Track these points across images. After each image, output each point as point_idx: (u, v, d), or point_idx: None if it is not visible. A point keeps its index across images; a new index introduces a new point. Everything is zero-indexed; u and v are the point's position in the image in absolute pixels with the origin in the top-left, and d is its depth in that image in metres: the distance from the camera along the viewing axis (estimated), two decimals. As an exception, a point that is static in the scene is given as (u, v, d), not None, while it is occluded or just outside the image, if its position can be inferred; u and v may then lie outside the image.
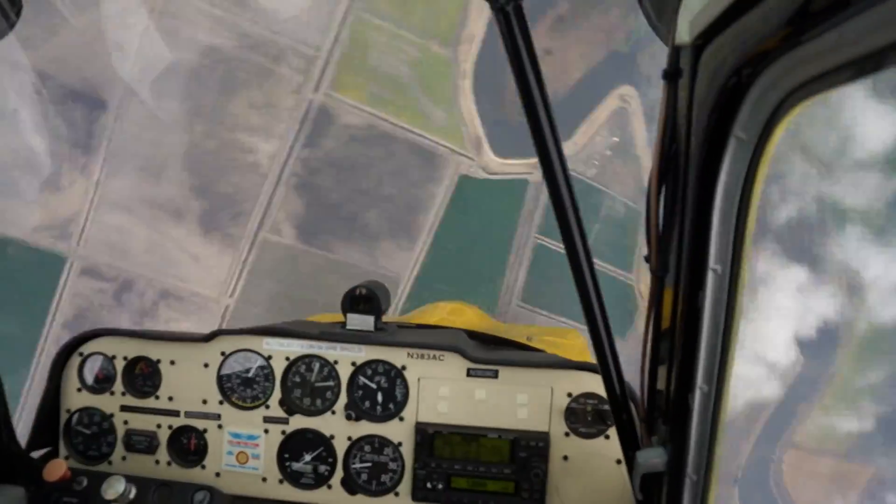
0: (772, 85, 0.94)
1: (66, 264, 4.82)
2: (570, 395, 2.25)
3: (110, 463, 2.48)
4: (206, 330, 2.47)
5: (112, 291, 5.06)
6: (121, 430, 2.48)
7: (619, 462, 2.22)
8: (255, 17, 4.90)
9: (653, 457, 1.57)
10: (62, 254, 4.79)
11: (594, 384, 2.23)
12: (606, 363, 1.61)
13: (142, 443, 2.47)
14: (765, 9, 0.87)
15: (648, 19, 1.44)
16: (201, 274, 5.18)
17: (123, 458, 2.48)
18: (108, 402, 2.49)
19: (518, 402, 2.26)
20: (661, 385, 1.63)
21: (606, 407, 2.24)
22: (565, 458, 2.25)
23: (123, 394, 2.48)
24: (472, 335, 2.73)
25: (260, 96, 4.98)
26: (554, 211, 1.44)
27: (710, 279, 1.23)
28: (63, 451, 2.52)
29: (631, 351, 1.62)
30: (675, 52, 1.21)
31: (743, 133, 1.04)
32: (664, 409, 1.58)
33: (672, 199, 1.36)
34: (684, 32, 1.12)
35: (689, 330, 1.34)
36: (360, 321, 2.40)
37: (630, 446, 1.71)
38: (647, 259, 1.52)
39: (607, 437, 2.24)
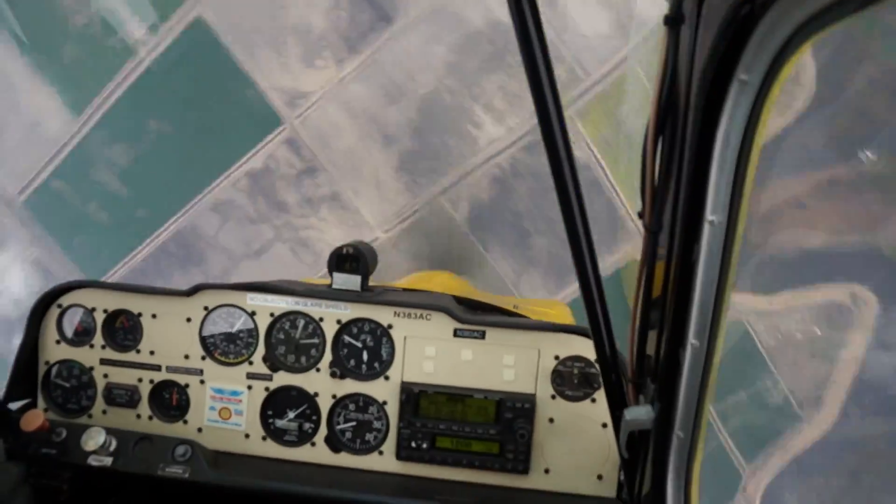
0: (779, 19, 0.90)
1: (279, 128, 5.18)
2: (557, 357, 2.23)
3: (90, 416, 2.46)
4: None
5: (298, 169, 5.36)
6: (101, 384, 2.45)
7: (604, 426, 2.22)
8: (555, 17, 5.01)
9: (640, 414, 1.56)
10: (280, 118, 5.14)
11: (582, 347, 2.22)
12: (597, 320, 1.59)
13: (122, 397, 2.44)
14: None
15: None
16: (374, 199, 5.47)
17: (104, 412, 2.45)
18: (87, 355, 2.45)
19: (505, 364, 2.25)
20: (651, 343, 1.61)
21: (594, 370, 2.23)
22: (551, 420, 2.24)
23: (103, 347, 2.44)
24: (460, 300, 2.71)
25: (514, 85, 5.15)
26: (549, 160, 1.40)
27: (707, 231, 1.20)
28: (41, 403, 2.48)
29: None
30: None
31: (746, 75, 1.00)
32: (653, 367, 1.57)
33: (670, 150, 1.32)
34: None
35: (683, 285, 1.31)
36: (347, 280, 2.36)
37: (617, 405, 1.69)
38: (641, 215, 1.49)
39: (594, 400, 2.23)
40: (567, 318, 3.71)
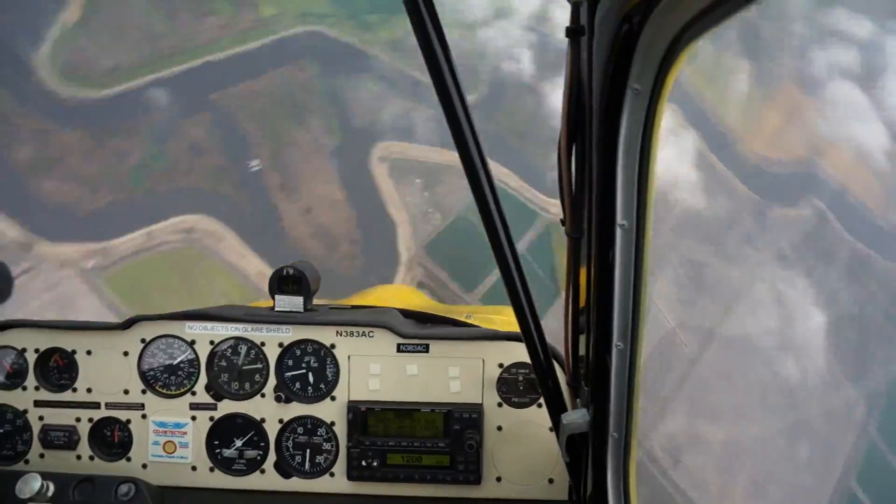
0: (658, 31, 0.93)
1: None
2: (501, 365, 2.25)
3: (27, 462, 2.36)
4: None
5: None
6: (36, 427, 2.36)
7: (551, 429, 2.24)
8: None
9: (576, 418, 1.58)
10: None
11: (525, 354, 2.23)
12: (529, 331, 1.61)
13: (60, 438, 2.35)
14: None
15: None
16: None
17: (41, 456, 2.36)
18: (20, 398, 2.36)
19: (450, 376, 2.25)
20: (582, 349, 1.63)
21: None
22: (499, 428, 2.26)
23: (37, 388, 2.36)
24: (407, 314, 2.70)
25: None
26: (469, 181, 1.41)
27: (619, 235, 1.23)
28: None
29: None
30: (576, 9, 1.19)
31: (638, 84, 1.04)
32: (586, 370, 1.59)
33: (581, 159, 1.35)
34: None
35: (604, 289, 1.34)
36: (289, 302, 2.33)
37: (556, 411, 1.72)
38: (563, 222, 1.51)
39: (540, 405, 2.25)
40: None
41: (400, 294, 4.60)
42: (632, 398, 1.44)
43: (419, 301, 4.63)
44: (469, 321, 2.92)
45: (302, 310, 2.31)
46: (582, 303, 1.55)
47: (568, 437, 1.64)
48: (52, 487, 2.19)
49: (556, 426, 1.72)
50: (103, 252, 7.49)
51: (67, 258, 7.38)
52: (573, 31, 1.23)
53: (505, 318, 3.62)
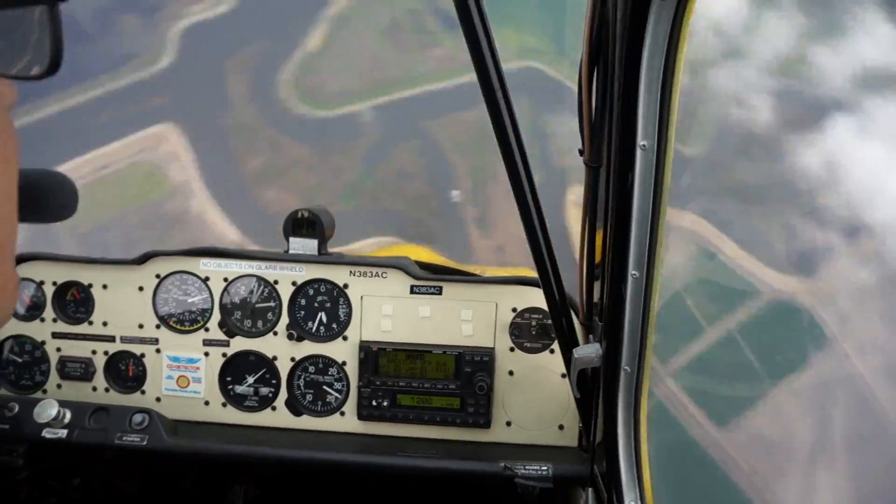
0: None
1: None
2: (514, 310, 2.24)
3: (45, 392, 2.41)
4: None
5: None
6: (54, 358, 2.40)
7: (563, 376, 2.24)
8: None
9: (588, 352, 1.57)
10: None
11: (539, 299, 2.22)
12: (545, 268, 1.59)
13: (77, 370, 2.39)
14: None
15: None
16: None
17: (58, 387, 2.41)
18: (38, 330, 2.40)
19: (462, 319, 2.25)
20: (598, 283, 1.62)
21: (550, 321, 2.24)
22: (511, 372, 2.26)
23: (55, 320, 2.39)
24: (423, 265, 2.70)
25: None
26: (490, 115, 1.39)
27: (639, 157, 1.21)
28: None
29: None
30: None
31: None
32: (600, 307, 1.58)
33: (603, 84, 1.32)
34: None
35: (621, 216, 1.32)
36: (303, 245, 2.33)
37: (569, 347, 1.71)
38: (581, 152, 1.49)
39: (552, 351, 2.24)
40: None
41: (417, 251, 4.59)
42: (646, 330, 1.42)
43: (436, 259, 4.63)
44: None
45: (316, 253, 2.31)
46: (599, 237, 1.53)
47: (579, 373, 1.64)
48: (68, 414, 2.24)
49: (568, 363, 1.72)
50: None
51: None
52: None
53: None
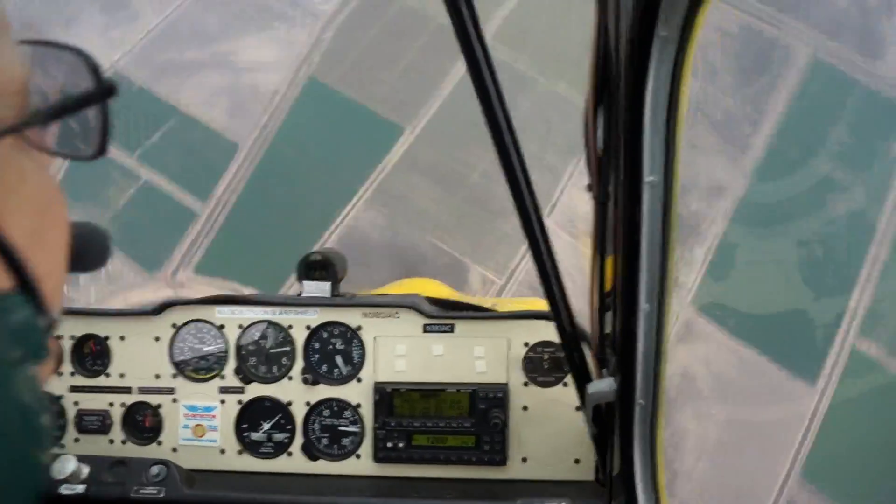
0: None
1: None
2: (526, 344, 2.25)
3: (63, 446, 2.41)
4: None
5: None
6: (71, 412, 2.41)
7: (578, 409, 2.23)
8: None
9: (602, 387, 1.58)
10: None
11: (550, 333, 2.23)
12: (554, 299, 1.61)
13: (94, 423, 2.40)
14: None
15: None
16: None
17: (76, 441, 2.41)
18: (57, 384, 2.42)
19: (476, 355, 2.26)
20: (609, 319, 1.63)
21: (562, 354, 2.24)
22: (525, 407, 2.25)
23: (73, 374, 2.41)
24: (433, 301, 2.72)
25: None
26: (495, 147, 1.43)
27: (646, 192, 1.23)
28: None
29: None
30: None
31: (665, 30, 1.04)
32: (612, 339, 1.59)
33: (608, 118, 1.36)
34: None
35: (631, 250, 1.34)
36: (316, 288, 2.36)
37: (583, 383, 1.71)
38: (590, 188, 1.52)
39: (565, 384, 2.24)
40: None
41: (426, 285, 4.62)
42: (659, 362, 1.43)
43: (445, 292, 4.64)
44: (494, 309, 2.93)
45: (329, 295, 2.34)
46: (609, 272, 1.55)
47: (594, 408, 1.64)
48: (86, 469, 2.23)
49: (583, 398, 1.72)
50: None
51: None
52: None
53: (530, 306, 3.62)
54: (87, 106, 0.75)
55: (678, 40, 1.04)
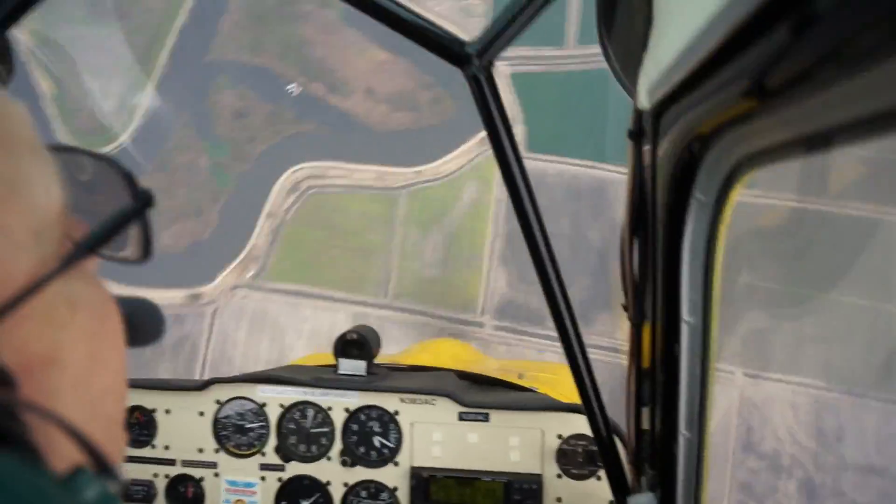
0: (726, 152, 0.98)
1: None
2: (560, 436, 2.26)
3: None
4: None
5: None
6: None
7: (612, 503, 2.23)
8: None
9: (643, 502, 1.59)
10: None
11: (584, 426, 2.24)
12: (591, 407, 1.64)
13: (139, 493, 2.47)
14: (720, 83, 0.91)
15: (616, 75, 1.49)
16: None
17: None
18: None
19: (510, 445, 2.28)
20: (646, 427, 1.64)
21: (596, 448, 2.25)
22: (559, 500, 2.26)
23: None
24: (463, 375, 2.75)
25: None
26: (524, 239, 1.48)
27: (685, 330, 1.26)
28: None
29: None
30: (638, 114, 1.25)
31: (702, 195, 1.08)
32: (651, 453, 1.60)
33: (643, 251, 1.39)
34: (644, 98, 1.17)
35: (669, 378, 1.36)
36: (352, 366, 2.42)
37: (620, 490, 1.72)
38: (626, 308, 1.55)
39: (599, 478, 2.24)
40: (573, 383, 3.73)
41: (451, 347, 4.66)
42: (700, 486, 1.44)
43: (467, 355, 4.67)
44: (522, 381, 2.94)
45: (364, 373, 2.40)
46: (644, 384, 1.57)
47: None
48: None
49: None
50: (252, 257, 8.73)
51: (230, 283, 8.76)
52: (635, 135, 1.29)
53: (559, 379, 3.63)
54: (129, 223, 0.73)
55: (713, 206, 1.08)
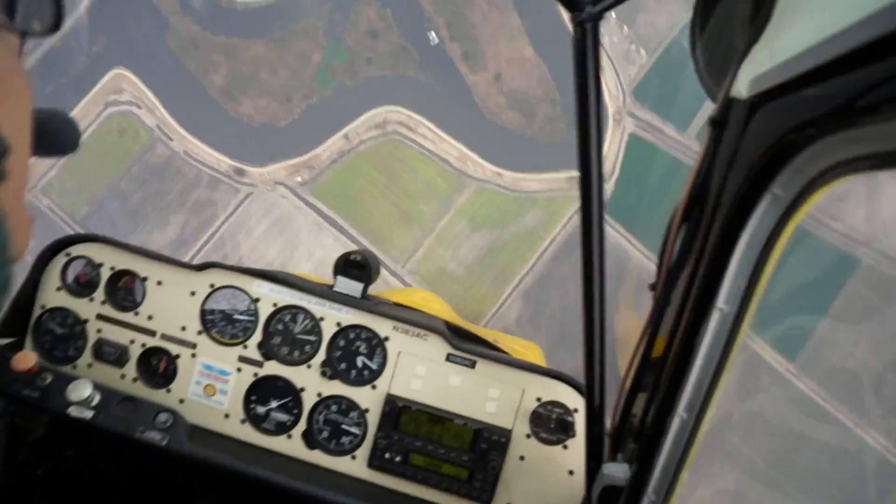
0: (820, 154, 1.01)
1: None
2: (539, 399, 2.32)
3: (74, 367, 2.49)
4: None
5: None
6: (92, 338, 2.49)
7: (570, 473, 2.31)
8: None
9: (617, 471, 1.65)
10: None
11: (564, 394, 2.31)
12: (593, 373, 1.68)
13: (111, 354, 2.48)
14: (830, 87, 0.93)
15: (696, 65, 1.49)
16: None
17: (89, 365, 2.49)
18: (85, 308, 2.49)
19: (489, 396, 2.33)
20: (637, 404, 1.70)
21: (571, 419, 2.32)
22: (522, 458, 2.33)
23: (103, 303, 2.48)
24: (451, 327, 2.79)
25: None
26: (580, 189, 1.50)
27: (715, 317, 1.30)
28: (28, 345, 2.51)
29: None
30: (727, 102, 1.27)
31: (781, 191, 1.11)
32: (637, 428, 1.66)
33: (691, 237, 1.43)
34: (743, 87, 1.18)
35: (682, 360, 1.41)
36: (349, 286, 2.44)
37: (595, 458, 1.78)
38: (652, 287, 1.59)
39: (565, 447, 2.32)
40: (541, 362, 3.83)
41: (430, 301, 4.71)
42: (680, 468, 1.50)
43: (448, 312, 4.73)
44: (496, 345, 3.01)
45: (359, 296, 2.42)
46: (650, 363, 1.62)
47: (602, 488, 1.71)
48: (98, 397, 2.31)
49: (591, 473, 1.79)
50: (308, 165, 8.54)
51: (277, 178, 8.62)
52: (719, 123, 1.31)
53: (530, 355, 3.73)
54: None
55: (790, 203, 1.11)
